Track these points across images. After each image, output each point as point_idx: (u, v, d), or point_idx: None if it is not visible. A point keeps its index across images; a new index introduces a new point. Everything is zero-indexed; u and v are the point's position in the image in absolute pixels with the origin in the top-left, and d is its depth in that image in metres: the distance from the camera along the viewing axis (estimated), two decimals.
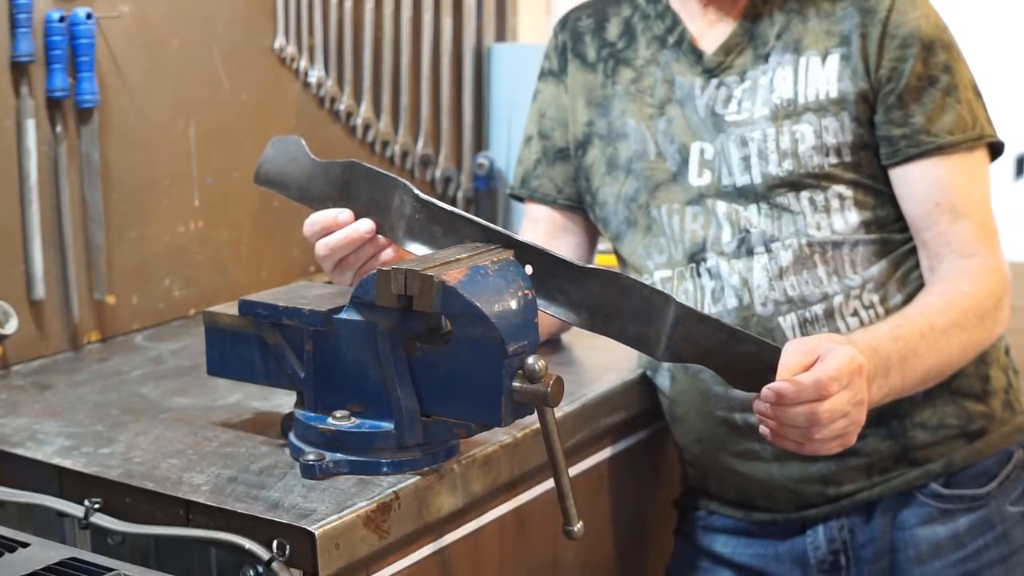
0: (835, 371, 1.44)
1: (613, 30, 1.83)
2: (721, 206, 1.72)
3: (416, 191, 1.50)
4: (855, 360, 1.47)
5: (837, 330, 1.67)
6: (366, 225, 1.51)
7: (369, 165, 1.53)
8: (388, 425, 1.43)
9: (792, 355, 1.46)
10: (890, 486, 1.72)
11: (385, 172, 1.52)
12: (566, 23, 1.88)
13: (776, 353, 1.35)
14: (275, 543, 1.34)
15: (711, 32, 1.76)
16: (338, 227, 1.52)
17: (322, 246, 1.53)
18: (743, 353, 1.35)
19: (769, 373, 1.35)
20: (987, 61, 1.95)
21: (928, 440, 1.71)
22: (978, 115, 1.69)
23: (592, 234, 1.91)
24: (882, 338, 1.56)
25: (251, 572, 1.35)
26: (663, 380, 1.80)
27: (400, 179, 1.51)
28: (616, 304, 1.41)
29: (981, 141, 1.69)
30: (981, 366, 1.73)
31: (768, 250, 1.69)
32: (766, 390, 1.43)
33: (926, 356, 1.59)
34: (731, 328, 1.37)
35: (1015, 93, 2.57)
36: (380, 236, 1.52)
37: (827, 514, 1.74)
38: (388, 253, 1.53)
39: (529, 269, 1.44)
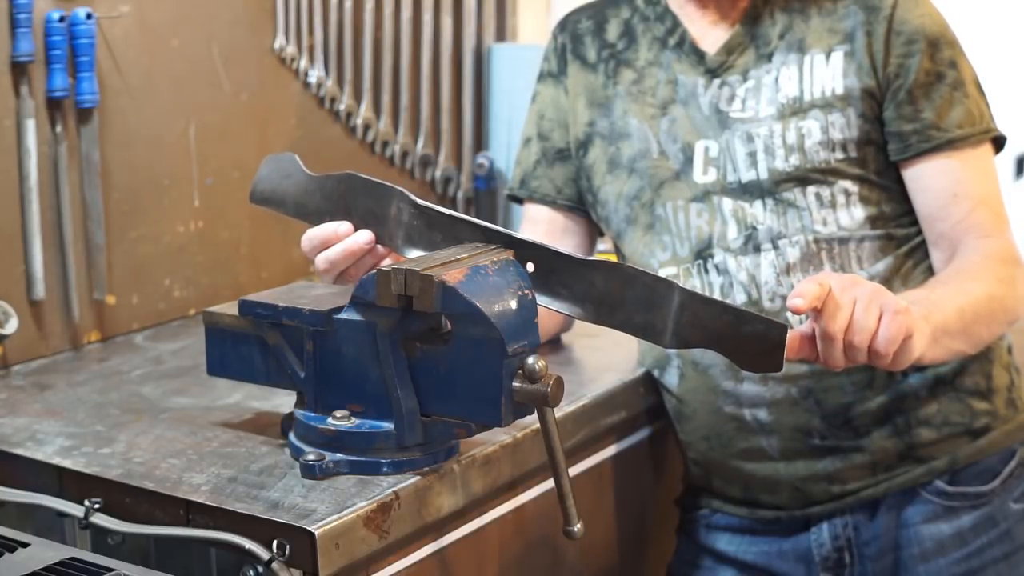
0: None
1: (613, 31, 1.84)
2: (727, 203, 1.72)
3: (413, 198, 1.50)
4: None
5: None
6: (365, 236, 1.51)
7: (365, 176, 1.53)
8: (388, 425, 1.43)
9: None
10: (895, 483, 1.72)
11: (381, 181, 1.52)
12: (565, 25, 1.89)
13: (783, 330, 1.33)
14: (275, 543, 1.34)
15: (711, 33, 1.76)
16: (337, 240, 1.51)
17: (322, 260, 1.52)
18: (750, 333, 1.34)
19: (777, 351, 1.34)
20: (986, 62, 1.95)
21: (932, 437, 1.71)
22: (983, 110, 1.71)
23: (592, 234, 1.91)
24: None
25: (251, 572, 1.35)
26: (671, 378, 1.80)
27: (396, 187, 1.51)
28: (620, 294, 1.41)
29: (988, 135, 1.71)
30: (984, 364, 1.73)
31: (775, 247, 1.70)
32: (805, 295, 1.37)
33: (951, 299, 1.55)
34: (737, 309, 1.36)
35: (1015, 94, 2.57)
36: (380, 246, 1.52)
37: (831, 511, 1.74)
38: (388, 263, 1.53)
39: (531, 267, 1.43)
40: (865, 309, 1.39)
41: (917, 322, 1.43)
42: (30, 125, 1.84)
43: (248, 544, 1.35)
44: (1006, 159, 2.60)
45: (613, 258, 1.85)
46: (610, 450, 1.83)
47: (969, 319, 1.57)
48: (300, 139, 2.27)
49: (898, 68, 1.68)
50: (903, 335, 1.40)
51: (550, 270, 1.44)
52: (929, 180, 1.69)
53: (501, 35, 2.64)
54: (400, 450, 1.43)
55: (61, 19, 1.84)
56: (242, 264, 2.20)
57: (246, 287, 2.14)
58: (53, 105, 1.87)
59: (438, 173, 2.54)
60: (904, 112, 1.68)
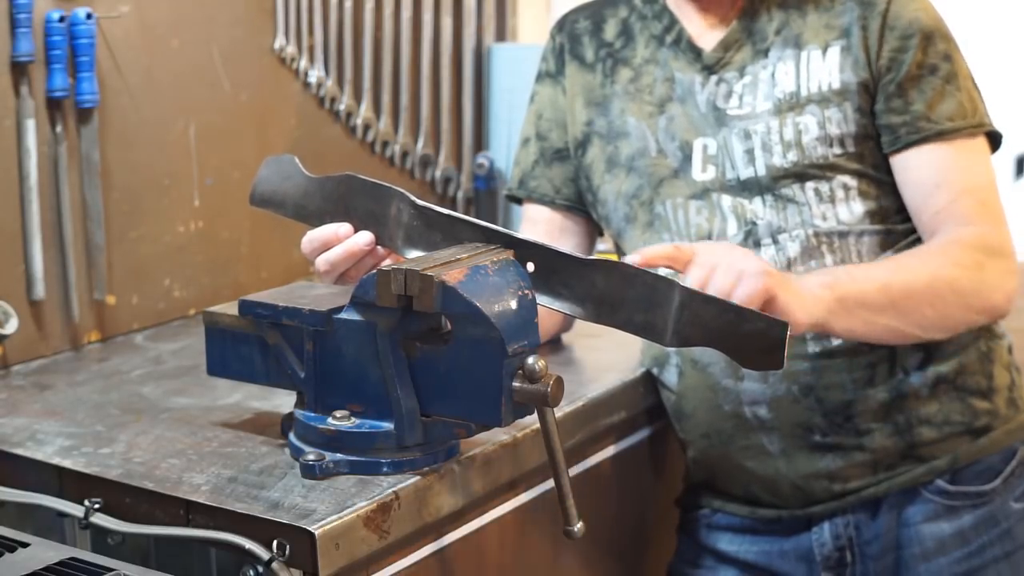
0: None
1: (610, 31, 1.84)
2: (726, 200, 1.72)
3: (413, 198, 1.50)
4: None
5: None
6: (365, 237, 1.51)
7: (364, 177, 1.53)
8: (388, 425, 1.43)
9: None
10: (896, 483, 1.72)
11: (381, 182, 1.52)
12: (563, 26, 1.89)
13: (784, 328, 1.33)
14: (275, 543, 1.34)
15: (709, 30, 1.77)
16: (338, 241, 1.51)
17: (322, 262, 1.52)
18: (751, 331, 1.34)
19: (778, 349, 1.34)
20: (985, 61, 1.95)
21: (933, 437, 1.71)
22: (977, 104, 1.71)
23: (591, 234, 1.91)
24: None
25: (251, 572, 1.35)
26: (670, 376, 1.80)
27: (396, 188, 1.51)
28: (620, 293, 1.40)
29: (981, 129, 1.70)
30: (985, 363, 1.73)
31: (775, 242, 1.70)
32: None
33: (877, 274, 1.58)
34: (737, 307, 1.36)
35: (1015, 94, 2.57)
36: (380, 247, 1.52)
37: (833, 511, 1.74)
38: (388, 264, 1.53)
39: (531, 267, 1.43)
40: (724, 273, 1.43)
41: (788, 285, 1.46)
42: (30, 125, 1.84)
43: (248, 544, 1.35)
44: (1006, 159, 2.59)
45: (614, 257, 1.85)
46: (610, 450, 1.83)
47: (897, 295, 1.58)
48: (300, 139, 2.27)
49: (890, 62, 1.68)
50: (761, 296, 1.42)
51: (550, 270, 1.44)
52: (915, 172, 1.69)
53: (501, 35, 2.64)
54: (400, 450, 1.43)
55: (61, 19, 1.84)
56: (242, 264, 2.20)
57: (246, 287, 2.14)
58: (53, 105, 1.87)
59: (438, 173, 2.54)
60: (894, 105, 1.68)
